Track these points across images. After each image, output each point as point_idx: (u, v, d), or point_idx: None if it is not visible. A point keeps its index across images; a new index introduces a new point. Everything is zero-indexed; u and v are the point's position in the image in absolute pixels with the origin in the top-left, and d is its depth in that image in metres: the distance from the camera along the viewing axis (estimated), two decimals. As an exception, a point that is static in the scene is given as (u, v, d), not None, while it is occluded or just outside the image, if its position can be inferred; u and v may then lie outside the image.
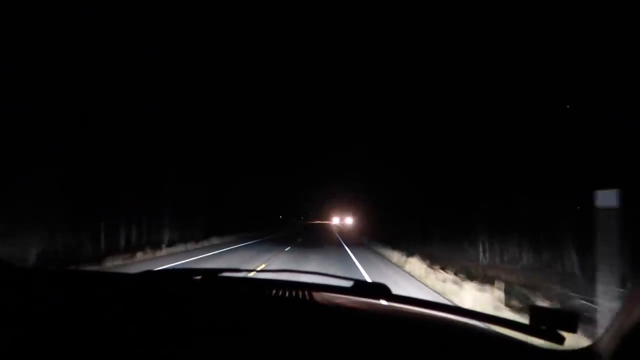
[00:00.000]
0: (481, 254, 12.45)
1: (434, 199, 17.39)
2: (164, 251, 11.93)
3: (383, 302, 0.78)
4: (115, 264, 8.82)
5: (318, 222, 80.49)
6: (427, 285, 6.70)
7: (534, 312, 0.62)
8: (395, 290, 0.74)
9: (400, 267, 9.33)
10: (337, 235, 25.89)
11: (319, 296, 0.83)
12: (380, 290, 0.76)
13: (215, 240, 16.30)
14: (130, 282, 0.90)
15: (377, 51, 28.39)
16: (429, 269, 7.45)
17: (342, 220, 66.23)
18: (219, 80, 24.52)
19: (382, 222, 26.68)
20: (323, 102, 56.08)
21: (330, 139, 66.52)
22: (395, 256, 10.53)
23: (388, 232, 22.99)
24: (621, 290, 2.63)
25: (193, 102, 18.77)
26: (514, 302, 5.38)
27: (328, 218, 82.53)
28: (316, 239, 20.68)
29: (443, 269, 7.83)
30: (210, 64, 22.35)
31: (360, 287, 0.77)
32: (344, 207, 64.00)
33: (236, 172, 25.69)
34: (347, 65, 41.23)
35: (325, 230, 38.25)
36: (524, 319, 0.64)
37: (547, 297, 6.42)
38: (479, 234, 12.77)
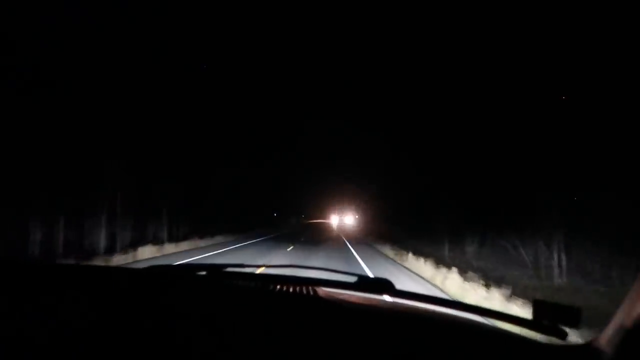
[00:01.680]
0: (556, 268, 8.51)
1: (466, 195, 13.46)
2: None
3: (387, 297, 0.79)
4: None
5: (316, 221, 76.33)
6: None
7: (537, 306, 0.61)
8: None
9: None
10: (344, 239, 21.43)
11: (322, 291, 0.83)
12: (384, 285, 0.74)
13: (162, 250, 12.27)
14: (134, 276, 0.89)
15: (389, 21, 24.18)
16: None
17: (342, 220, 62.55)
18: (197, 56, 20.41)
19: (392, 221, 22.80)
20: (323, 82, 50.81)
21: (331, 126, 61.11)
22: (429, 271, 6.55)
23: (402, 233, 19.18)
24: None
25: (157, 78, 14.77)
26: None
27: (327, 217, 78.72)
28: (315, 243, 16.76)
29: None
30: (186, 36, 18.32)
31: (364, 283, 0.76)
32: (345, 204, 60.31)
33: (219, 165, 21.54)
34: (349, 43, 37.04)
35: (325, 230, 34.20)
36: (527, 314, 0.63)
37: None
38: (547, 238, 8.85)
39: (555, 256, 8.43)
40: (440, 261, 8.89)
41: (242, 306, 0.70)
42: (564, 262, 8.43)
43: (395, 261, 10.82)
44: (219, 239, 16.58)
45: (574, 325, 0.57)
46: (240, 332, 0.58)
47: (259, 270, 0.99)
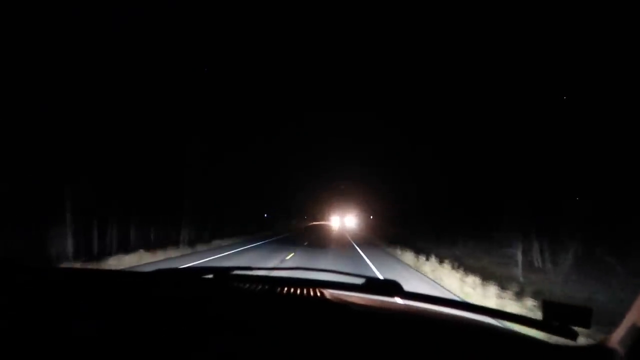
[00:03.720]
0: None
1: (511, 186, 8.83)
2: None
3: (398, 300, 0.78)
4: None
5: (317, 223, 71.39)
6: None
7: (547, 308, 0.61)
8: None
9: None
10: (362, 254, 15.11)
11: (330, 294, 0.83)
12: (392, 287, 0.74)
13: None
14: (141, 280, 0.89)
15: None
16: None
17: (342, 221, 58.12)
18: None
19: (406, 222, 18.22)
20: (322, 70, 45.41)
21: (331, 118, 55.68)
22: None
23: (422, 237, 14.63)
24: None
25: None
26: None
27: (328, 218, 73.96)
28: (313, 259, 12.01)
29: None
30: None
31: (372, 285, 0.76)
32: (347, 204, 55.93)
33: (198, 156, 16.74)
34: (362, 30, 32.37)
35: (329, 234, 28.11)
36: (538, 315, 0.63)
37: None
38: None
39: None
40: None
41: (249, 309, 0.70)
42: None
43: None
44: (137, 257, 9.66)
45: (585, 325, 0.56)
46: (246, 335, 0.58)
47: (266, 273, 0.97)
